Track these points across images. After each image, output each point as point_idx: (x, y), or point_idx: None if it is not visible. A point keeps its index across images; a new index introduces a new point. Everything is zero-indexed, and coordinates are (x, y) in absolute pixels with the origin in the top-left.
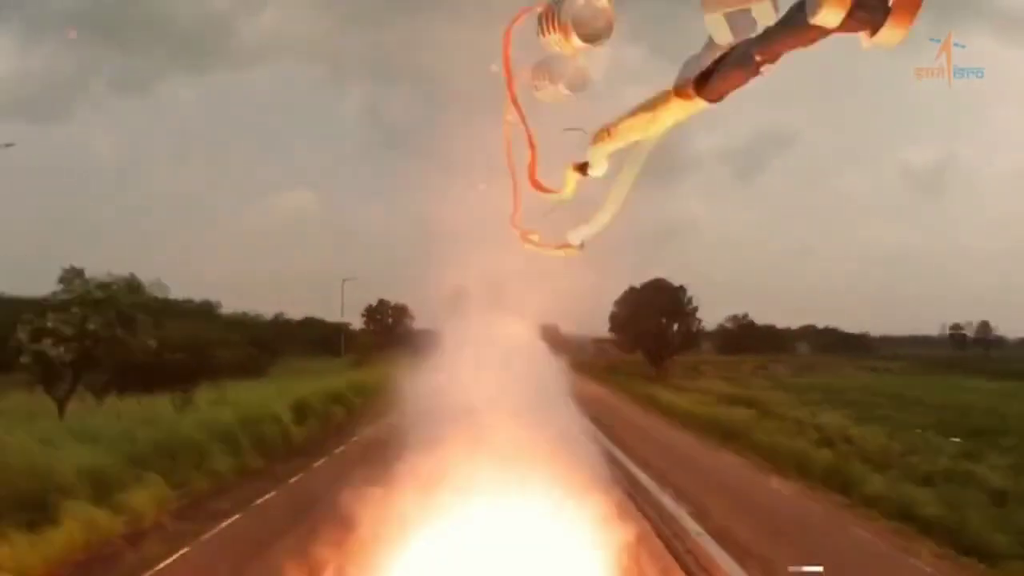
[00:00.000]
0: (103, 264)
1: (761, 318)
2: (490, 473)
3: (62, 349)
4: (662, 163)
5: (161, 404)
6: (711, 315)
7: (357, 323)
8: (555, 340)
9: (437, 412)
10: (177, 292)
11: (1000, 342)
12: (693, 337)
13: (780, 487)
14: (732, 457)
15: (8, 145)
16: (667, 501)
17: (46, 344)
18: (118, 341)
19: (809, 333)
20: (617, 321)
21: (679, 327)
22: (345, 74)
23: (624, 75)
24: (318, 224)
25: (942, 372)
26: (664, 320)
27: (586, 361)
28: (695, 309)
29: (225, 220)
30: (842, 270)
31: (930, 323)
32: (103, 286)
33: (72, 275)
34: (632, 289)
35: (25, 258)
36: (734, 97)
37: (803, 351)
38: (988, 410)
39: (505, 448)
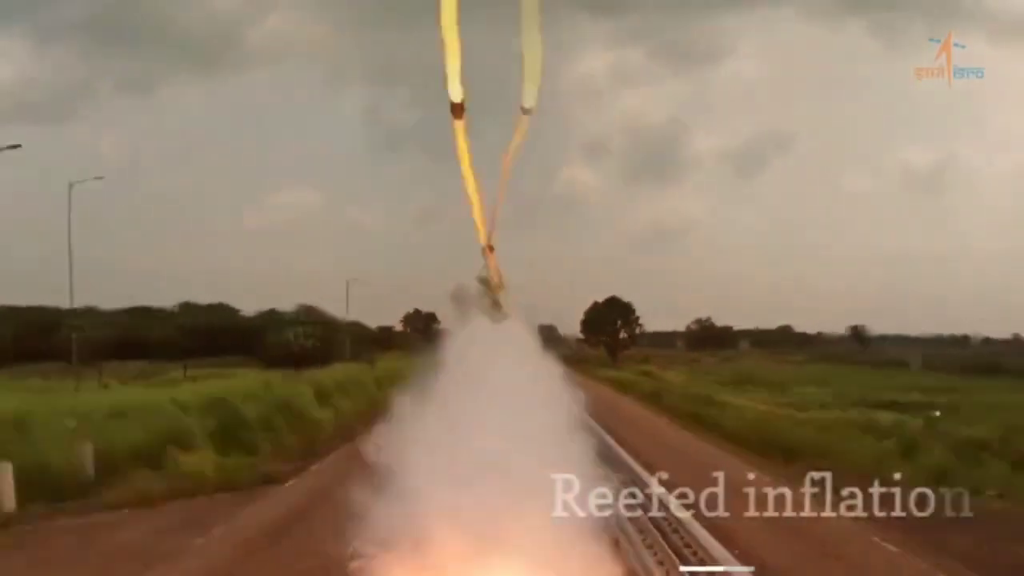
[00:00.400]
0: (109, 261)
1: (754, 319)
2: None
3: (309, 344)
4: (662, 167)
5: (351, 368)
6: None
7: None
8: (550, 338)
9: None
10: (182, 290)
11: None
12: (636, 338)
13: (628, 402)
14: (614, 392)
15: (14, 147)
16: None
17: (303, 343)
18: (331, 340)
19: (758, 332)
20: (586, 326)
21: (627, 332)
22: (348, 77)
23: (623, 78)
24: (320, 223)
25: (824, 362)
26: (618, 325)
27: (566, 355)
28: (638, 318)
29: (227, 219)
30: (841, 271)
31: (923, 323)
32: (317, 311)
33: (304, 308)
34: (596, 303)
35: (35, 259)
36: (734, 100)
37: (743, 347)
38: (782, 377)
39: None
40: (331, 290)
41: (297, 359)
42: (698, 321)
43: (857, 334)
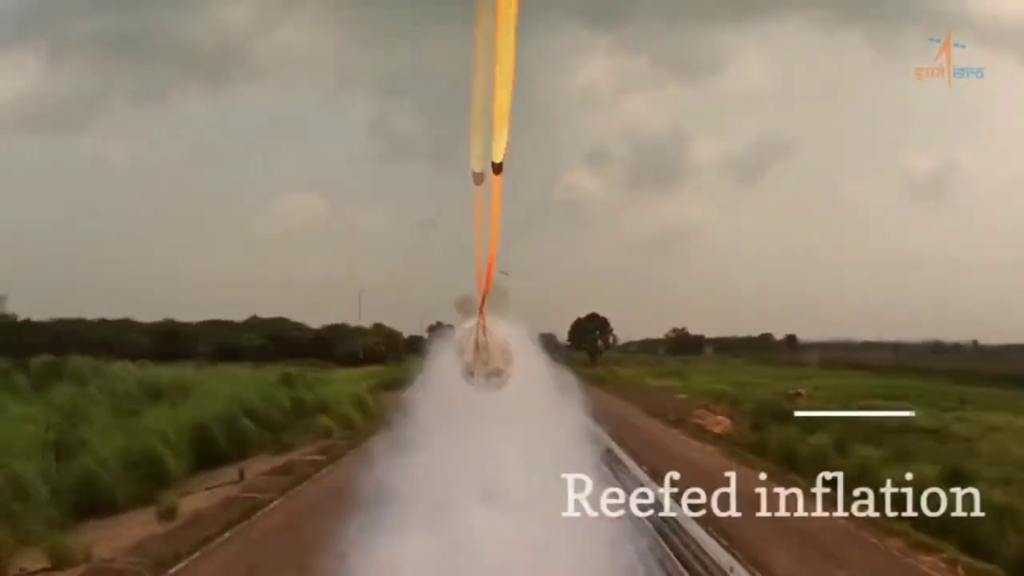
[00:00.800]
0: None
1: (735, 327)
2: None
3: (381, 349)
4: (661, 174)
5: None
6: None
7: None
8: (548, 344)
9: None
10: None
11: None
12: (610, 346)
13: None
14: (580, 379)
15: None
16: None
17: (379, 348)
18: (393, 346)
19: (734, 340)
20: (571, 335)
21: (603, 341)
22: (354, 88)
23: (626, 83)
24: (324, 230)
25: (758, 363)
26: (597, 335)
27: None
28: (612, 330)
29: (231, 226)
30: (831, 278)
31: (917, 330)
32: (384, 327)
33: (375, 325)
34: (579, 318)
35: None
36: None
37: (707, 353)
38: (700, 372)
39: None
40: (333, 294)
41: (374, 360)
42: (675, 330)
43: (789, 341)
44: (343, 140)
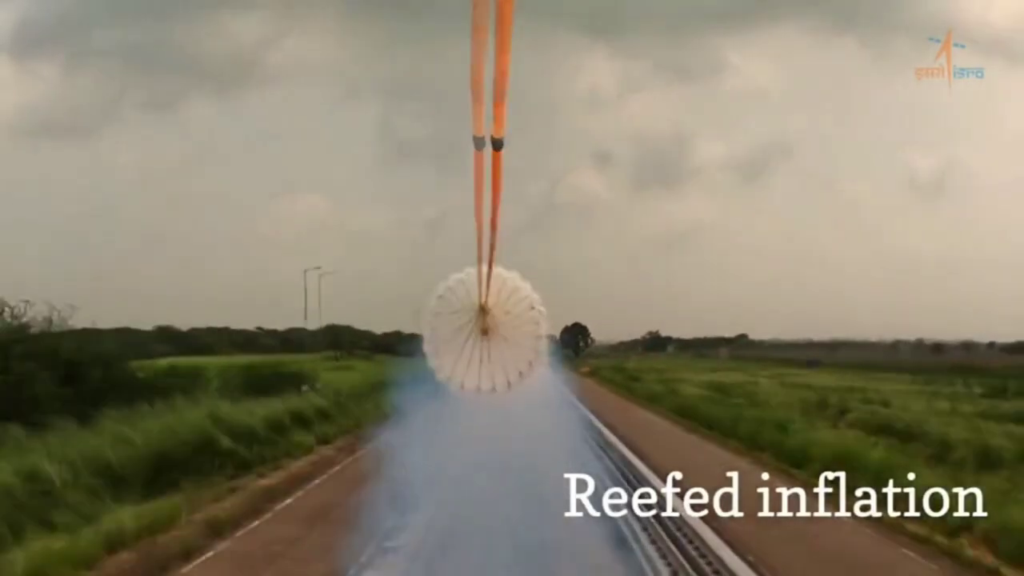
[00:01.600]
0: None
1: (705, 329)
2: None
3: None
4: (666, 173)
5: None
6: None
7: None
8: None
9: None
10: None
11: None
12: (589, 346)
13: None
14: (572, 373)
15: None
16: None
17: None
18: None
19: (705, 340)
20: (562, 337)
21: (584, 342)
22: (361, 94)
23: (629, 87)
24: (330, 233)
25: (698, 358)
26: (578, 338)
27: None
28: (590, 334)
29: (237, 228)
30: (840, 278)
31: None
32: None
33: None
34: (566, 326)
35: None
36: (737, 104)
37: (670, 351)
38: (648, 363)
39: None
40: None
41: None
42: (649, 332)
43: (739, 339)
44: (350, 144)
